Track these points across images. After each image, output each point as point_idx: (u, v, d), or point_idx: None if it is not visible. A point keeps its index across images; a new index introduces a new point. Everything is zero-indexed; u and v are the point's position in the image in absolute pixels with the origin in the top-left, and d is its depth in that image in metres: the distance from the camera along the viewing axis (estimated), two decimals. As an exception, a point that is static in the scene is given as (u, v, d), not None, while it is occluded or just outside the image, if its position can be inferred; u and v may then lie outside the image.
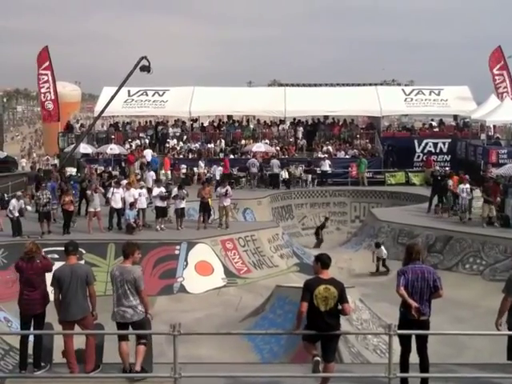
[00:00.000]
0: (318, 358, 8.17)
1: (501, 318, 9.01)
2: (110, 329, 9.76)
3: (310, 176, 34.26)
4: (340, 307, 8.31)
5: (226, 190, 24.37)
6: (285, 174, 33.94)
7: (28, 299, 9.29)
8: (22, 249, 9.73)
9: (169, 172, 33.94)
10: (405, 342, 8.66)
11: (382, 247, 23.74)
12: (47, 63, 39.06)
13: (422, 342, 8.71)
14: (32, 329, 9.38)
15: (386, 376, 8.04)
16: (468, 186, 24.72)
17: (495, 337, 10.45)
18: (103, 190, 25.21)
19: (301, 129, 40.08)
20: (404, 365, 8.66)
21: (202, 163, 34.75)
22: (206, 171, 34.30)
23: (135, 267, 9.14)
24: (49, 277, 9.39)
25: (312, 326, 8.32)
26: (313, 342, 8.46)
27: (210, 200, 24.30)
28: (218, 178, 31.77)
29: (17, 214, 22.08)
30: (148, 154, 36.14)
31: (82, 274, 9.14)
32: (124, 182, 25.51)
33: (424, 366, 8.66)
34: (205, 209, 24.05)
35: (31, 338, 9.42)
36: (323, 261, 8.45)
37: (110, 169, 34.42)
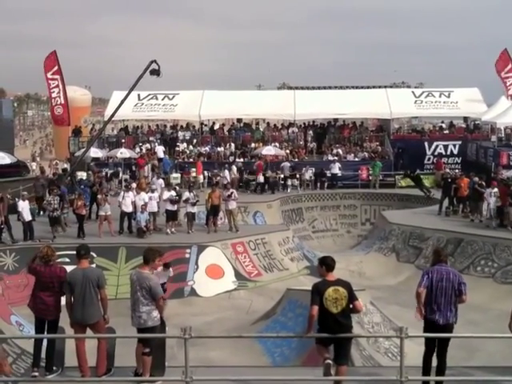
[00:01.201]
0: (330, 361, 8.11)
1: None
2: (122, 332, 9.76)
3: (295, 181, 34.00)
4: (351, 306, 8.30)
5: (231, 193, 24.37)
6: (258, 179, 33.00)
7: (42, 304, 9.24)
8: (34, 253, 9.75)
9: (201, 176, 33.47)
10: (428, 343, 8.78)
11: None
12: (56, 68, 39.06)
13: (443, 345, 8.74)
14: (45, 333, 9.37)
15: (398, 379, 7.97)
16: (496, 190, 23.86)
17: (508, 340, 10.39)
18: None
19: (310, 132, 40.05)
20: (426, 367, 8.72)
21: (234, 168, 33.75)
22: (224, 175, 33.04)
23: (150, 274, 9.06)
24: None
25: (324, 329, 8.27)
26: (325, 345, 8.41)
27: (219, 203, 24.32)
28: (227, 181, 31.49)
29: (29, 218, 22.15)
30: (159, 150, 36.09)
31: (93, 278, 9.10)
32: (134, 185, 25.58)
33: (440, 369, 8.67)
34: (215, 212, 24.07)
35: (44, 343, 9.43)
36: (328, 264, 8.44)
37: (121, 172, 34.43)
